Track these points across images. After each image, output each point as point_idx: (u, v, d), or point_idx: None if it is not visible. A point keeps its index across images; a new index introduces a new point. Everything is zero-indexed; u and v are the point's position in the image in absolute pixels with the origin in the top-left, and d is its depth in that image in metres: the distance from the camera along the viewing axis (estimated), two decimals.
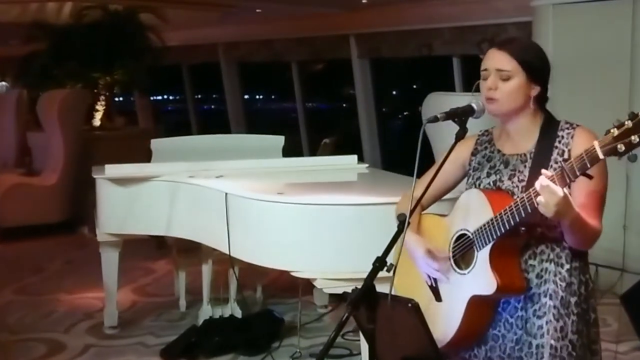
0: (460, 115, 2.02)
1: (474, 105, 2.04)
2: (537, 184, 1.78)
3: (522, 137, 2.05)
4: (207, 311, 4.45)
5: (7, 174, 7.57)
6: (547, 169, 1.92)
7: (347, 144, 7.85)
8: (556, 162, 1.97)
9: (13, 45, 8.93)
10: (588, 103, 4.98)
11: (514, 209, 1.86)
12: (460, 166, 2.19)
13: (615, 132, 1.62)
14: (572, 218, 1.83)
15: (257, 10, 7.76)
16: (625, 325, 4.17)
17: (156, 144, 4.54)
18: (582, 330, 1.98)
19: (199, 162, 4.19)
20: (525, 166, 2.02)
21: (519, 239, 1.95)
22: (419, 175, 2.09)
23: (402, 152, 8.10)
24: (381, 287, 1.86)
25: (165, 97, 13.25)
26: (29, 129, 8.28)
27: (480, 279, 1.95)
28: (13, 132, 8.21)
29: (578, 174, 1.73)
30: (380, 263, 1.89)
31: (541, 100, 2.05)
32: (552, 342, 1.93)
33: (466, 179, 2.18)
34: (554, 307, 1.95)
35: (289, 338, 4.32)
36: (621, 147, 1.61)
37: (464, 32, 6.81)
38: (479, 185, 2.09)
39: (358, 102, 8.30)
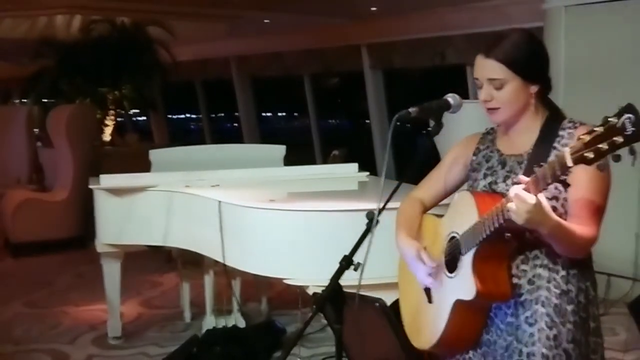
0: (435, 111, 1.95)
1: (449, 99, 1.97)
2: (510, 191, 1.69)
3: (522, 136, 1.95)
4: (210, 322, 4.43)
5: (18, 189, 7.58)
6: None
7: (360, 158, 7.75)
8: None
9: (22, 63, 8.96)
10: (603, 109, 4.74)
11: (493, 215, 1.76)
12: (463, 166, 2.11)
13: (586, 138, 1.50)
14: (550, 227, 1.72)
15: (265, 21, 7.75)
16: (634, 335, 4.03)
17: (155, 154, 4.53)
18: (580, 339, 1.88)
19: (195, 171, 4.17)
20: (520, 168, 1.92)
21: (506, 244, 1.84)
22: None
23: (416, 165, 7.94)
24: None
25: (188, 115, 13.31)
26: (43, 145, 8.28)
27: (463, 283, 1.87)
28: (25, 149, 8.21)
29: (549, 181, 1.61)
30: (346, 262, 1.85)
31: (543, 95, 1.94)
32: (544, 350, 1.83)
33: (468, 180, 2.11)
34: (547, 314, 1.86)
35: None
36: (589, 154, 1.48)
37: (475, 40, 6.72)
38: (476, 187, 2.01)
39: (370, 114, 8.25)
